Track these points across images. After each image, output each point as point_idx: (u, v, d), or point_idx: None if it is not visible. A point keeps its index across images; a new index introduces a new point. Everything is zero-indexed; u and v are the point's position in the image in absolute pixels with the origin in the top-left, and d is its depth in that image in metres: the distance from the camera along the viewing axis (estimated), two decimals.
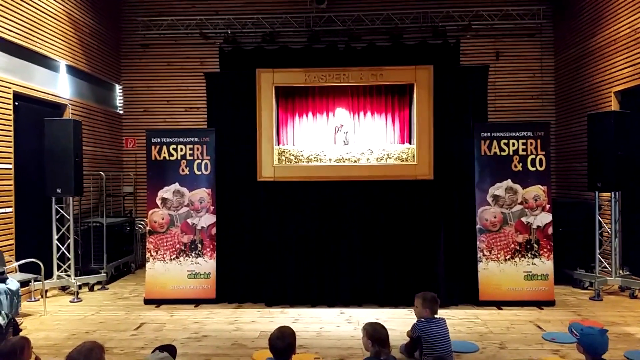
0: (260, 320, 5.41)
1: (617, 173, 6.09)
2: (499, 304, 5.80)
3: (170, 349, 3.40)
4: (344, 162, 6.16)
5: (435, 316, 3.95)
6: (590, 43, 7.60)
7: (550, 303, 5.80)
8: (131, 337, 4.89)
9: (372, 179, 6.01)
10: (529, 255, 5.87)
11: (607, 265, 6.51)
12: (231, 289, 6.11)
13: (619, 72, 6.89)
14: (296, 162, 6.18)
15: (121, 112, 9.15)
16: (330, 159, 6.18)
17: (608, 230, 6.56)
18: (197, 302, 6.04)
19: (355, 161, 6.16)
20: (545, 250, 5.86)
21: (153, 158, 6.23)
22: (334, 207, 6.06)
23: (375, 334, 3.33)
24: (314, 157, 6.19)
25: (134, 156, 9.11)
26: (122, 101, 9.16)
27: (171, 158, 6.22)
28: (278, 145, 6.32)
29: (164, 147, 6.23)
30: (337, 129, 6.49)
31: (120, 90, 9.14)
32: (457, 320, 5.28)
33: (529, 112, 8.62)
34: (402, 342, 4.18)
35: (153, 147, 6.24)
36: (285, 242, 6.05)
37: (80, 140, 6.51)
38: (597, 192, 6.41)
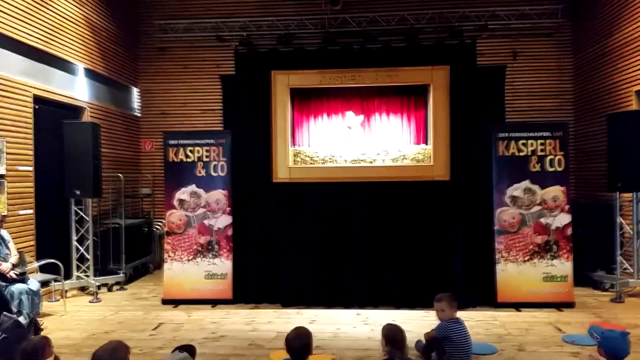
0: (276, 321, 5.42)
1: (638, 173, 5.99)
2: (518, 306, 5.74)
3: (190, 349, 3.43)
4: (359, 163, 6.15)
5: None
6: (608, 42, 7.49)
7: (570, 305, 5.72)
8: (149, 337, 4.93)
9: (388, 179, 6.00)
10: (548, 256, 5.79)
11: (628, 267, 6.40)
12: (248, 290, 6.14)
13: (639, 72, 6.77)
14: (311, 163, 6.20)
15: (138, 114, 9.26)
16: (345, 160, 6.19)
17: (629, 231, 6.45)
18: (214, 302, 6.08)
19: (370, 162, 6.15)
20: (564, 251, 5.78)
21: (170, 160, 6.29)
22: (350, 208, 6.05)
23: (391, 335, 3.31)
24: (330, 158, 6.20)
25: (151, 158, 9.20)
26: (139, 104, 9.26)
27: (188, 160, 6.27)
28: (293, 146, 6.34)
29: (181, 149, 6.28)
30: (349, 130, 6.49)
31: (138, 93, 9.25)
32: (475, 322, 5.23)
33: (547, 112, 8.52)
34: (420, 339, 4.13)
35: (170, 149, 6.29)
36: (301, 243, 6.06)
37: (98, 143, 6.60)
38: (617, 193, 6.31)
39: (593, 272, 6.64)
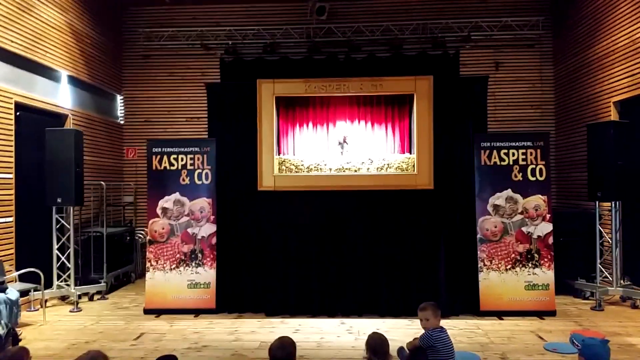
0: (260, 331, 5.39)
1: (617, 183, 6.10)
2: (500, 314, 5.78)
3: None
4: (344, 171, 6.17)
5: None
6: (589, 53, 7.65)
7: (552, 313, 5.78)
8: (131, 347, 4.86)
9: (373, 188, 6.02)
10: (530, 265, 5.86)
11: (608, 275, 6.49)
12: (231, 299, 6.09)
13: (618, 82, 6.93)
14: (296, 172, 6.20)
15: (122, 122, 9.19)
16: (330, 169, 6.20)
17: (609, 240, 6.55)
18: (197, 312, 6.02)
19: (355, 171, 6.18)
20: (546, 260, 5.85)
21: (154, 168, 6.25)
22: (335, 216, 6.07)
23: (374, 345, 3.31)
24: (315, 167, 6.21)
25: (134, 166, 9.13)
26: (123, 111, 9.20)
27: (172, 168, 6.23)
28: (278, 155, 6.34)
29: (165, 157, 6.25)
30: (340, 143, 6.50)
31: (122, 101, 9.18)
32: (458, 331, 5.26)
33: (529, 122, 8.66)
34: (402, 346, 4.12)
35: (154, 156, 6.25)
36: (286, 252, 6.05)
37: (81, 150, 6.53)
38: (597, 202, 6.41)
39: (574, 280, 6.72)
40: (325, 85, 6.19)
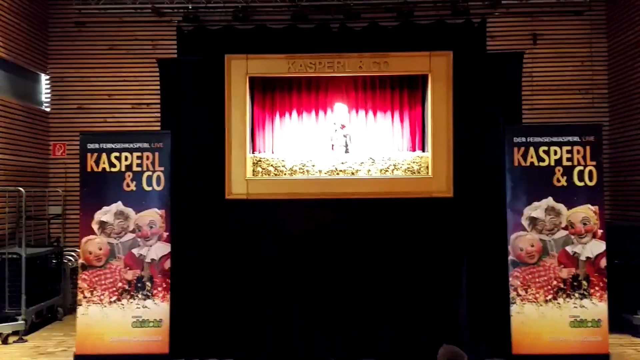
0: None
1: None
2: (539, 359, 5.83)
3: None
4: (338, 174, 6.21)
5: None
6: None
7: (605, 357, 5.83)
8: None
9: (375, 196, 6.06)
10: (577, 295, 5.91)
11: None
12: (190, 341, 6.08)
13: None
14: (276, 175, 6.22)
15: (48, 109, 9.15)
16: (320, 171, 6.23)
17: None
18: (145, 358, 5.99)
19: (352, 173, 6.21)
20: (597, 288, 5.91)
21: (89, 169, 6.22)
22: (324, 233, 6.09)
23: None
24: (300, 169, 6.24)
25: (63, 167, 9.09)
26: (49, 96, 9.16)
27: (113, 169, 6.21)
28: (253, 153, 6.36)
29: (104, 155, 6.22)
30: (336, 130, 6.50)
31: (47, 82, 9.15)
32: None
33: (575, 112, 8.74)
34: None
35: (89, 155, 6.23)
36: (262, 280, 6.06)
37: None
38: None
39: (633, 314, 6.79)
40: (314, 63, 6.23)
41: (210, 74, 6.26)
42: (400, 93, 6.74)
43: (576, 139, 6.09)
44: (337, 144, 6.47)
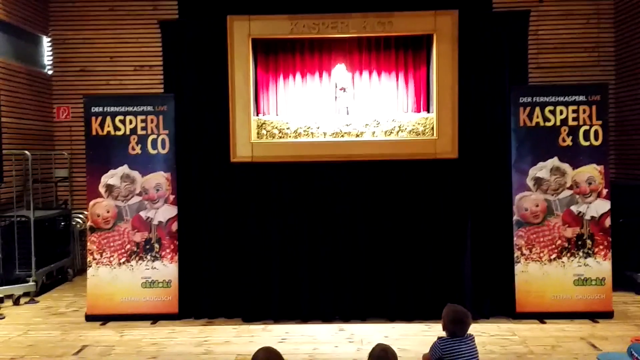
0: (236, 341, 5.49)
1: None
2: (542, 317, 5.92)
3: None
4: (342, 136, 6.19)
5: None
6: None
7: (608, 315, 5.92)
8: None
9: (380, 158, 6.05)
10: (581, 254, 5.97)
11: None
12: (199, 301, 6.17)
13: None
14: (281, 138, 6.21)
15: (50, 72, 9.09)
16: (324, 133, 6.21)
17: None
18: (154, 318, 6.11)
19: (357, 135, 6.19)
20: (601, 247, 5.96)
21: (94, 133, 6.23)
22: (331, 195, 6.11)
23: (375, 358, 3.40)
24: (304, 131, 6.21)
25: (68, 130, 9.07)
26: (51, 58, 9.09)
27: (117, 133, 6.23)
28: (257, 115, 6.33)
29: (108, 119, 6.23)
30: (337, 92, 6.44)
31: (49, 44, 9.06)
32: (488, 338, 5.38)
33: (581, 70, 8.65)
34: None
35: (93, 118, 6.23)
36: (269, 241, 6.11)
37: None
38: None
39: (636, 272, 6.86)
40: (318, 24, 6.15)
41: (212, 36, 6.20)
42: (404, 54, 6.65)
43: (582, 98, 6.06)
44: (339, 107, 6.40)
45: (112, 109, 6.24)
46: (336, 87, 6.40)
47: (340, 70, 6.37)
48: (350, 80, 6.46)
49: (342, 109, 6.35)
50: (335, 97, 6.40)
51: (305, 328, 5.82)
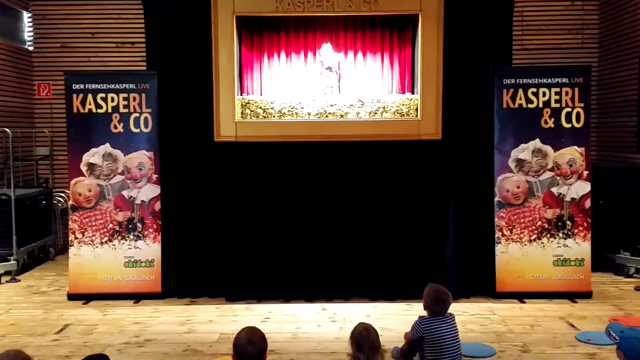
0: (219, 320, 5.53)
1: None
2: (522, 296, 6.01)
3: None
4: (327, 116, 6.18)
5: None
6: None
7: (587, 295, 6.03)
8: (52, 343, 4.95)
9: (364, 139, 6.06)
10: (561, 235, 6.05)
11: None
12: (182, 281, 6.19)
13: None
14: (265, 117, 6.19)
15: (31, 48, 8.96)
16: (309, 113, 6.20)
17: None
18: (137, 297, 6.12)
19: (341, 116, 6.19)
20: (580, 228, 6.04)
21: (75, 110, 6.18)
22: (315, 176, 6.13)
23: (359, 338, 3.43)
24: (289, 111, 6.20)
25: (49, 107, 8.98)
26: (31, 34, 8.95)
27: (99, 111, 6.18)
28: (241, 95, 6.30)
29: (90, 96, 6.17)
30: (323, 72, 6.39)
31: (29, 19, 8.92)
32: (468, 317, 5.47)
33: (565, 52, 8.68)
34: (396, 345, 4.32)
35: (75, 95, 6.17)
36: (253, 220, 6.12)
37: None
38: None
39: (615, 253, 6.99)
40: (303, 2, 6.09)
41: (196, 13, 6.12)
42: (390, 34, 6.63)
43: (565, 80, 6.10)
44: (325, 86, 6.37)
45: (94, 86, 6.18)
46: (322, 65, 6.37)
47: (327, 49, 6.33)
48: (337, 60, 6.41)
49: (328, 88, 6.32)
50: (323, 75, 6.35)
51: (288, 307, 5.87)
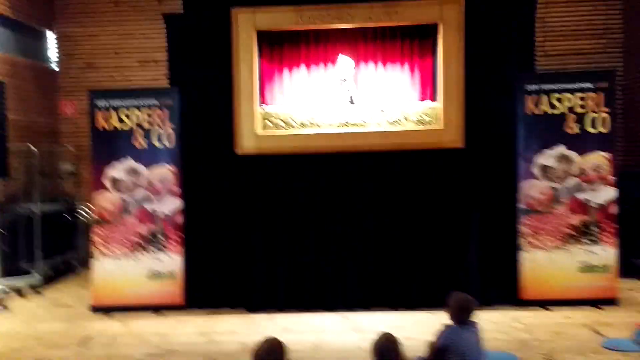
0: (240, 330, 5.58)
1: None
2: (546, 304, 5.96)
3: None
4: (347, 127, 6.22)
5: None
6: None
7: (613, 301, 5.95)
8: (75, 355, 5.03)
9: (386, 149, 6.11)
10: (586, 241, 5.98)
11: None
12: (203, 292, 6.25)
13: None
14: (285, 129, 6.25)
15: (56, 68, 9.17)
16: (330, 124, 6.25)
17: None
18: (159, 308, 6.19)
19: (362, 126, 6.22)
20: (607, 234, 5.97)
21: (99, 127, 6.32)
22: (336, 186, 6.18)
23: (381, 349, 3.43)
24: (309, 122, 6.26)
25: (74, 125, 9.14)
26: (57, 53, 9.17)
27: (123, 127, 6.31)
28: (262, 106, 6.37)
29: (113, 113, 6.31)
30: (339, 83, 6.46)
31: (55, 39, 9.14)
32: (492, 325, 5.41)
33: (589, 58, 8.61)
34: (420, 355, 4.30)
35: (99, 112, 6.31)
36: (273, 231, 6.18)
37: (3, 106, 6.57)
38: None
39: None
40: (323, 15, 6.20)
41: (217, 29, 6.26)
42: (410, 43, 6.68)
43: (589, 85, 6.07)
44: (342, 97, 6.41)
45: (117, 102, 6.32)
46: (339, 78, 6.42)
47: (341, 60, 6.38)
48: (352, 70, 6.44)
49: (345, 99, 6.36)
50: (340, 85, 6.40)
51: (310, 317, 5.88)
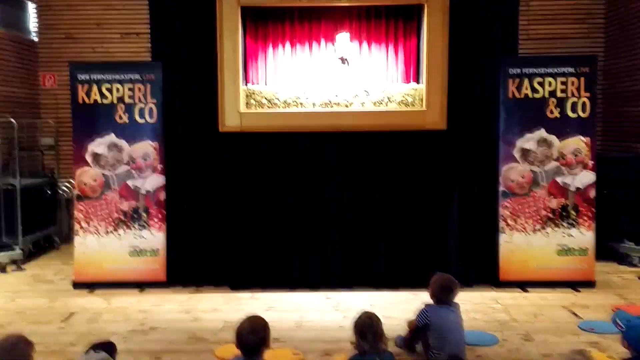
0: (223, 308, 5.58)
1: None
2: (525, 285, 6.04)
3: (109, 348, 3.52)
4: (331, 107, 6.19)
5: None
6: None
7: (590, 284, 6.05)
8: (58, 331, 5.01)
9: (369, 129, 6.08)
10: (565, 224, 6.07)
11: None
12: (186, 269, 6.24)
13: None
14: (269, 107, 6.20)
15: (36, 38, 8.98)
16: (314, 104, 6.21)
17: None
18: (142, 285, 6.17)
19: (346, 106, 6.19)
20: (585, 218, 6.06)
21: (80, 101, 6.20)
22: (319, 165, 6.17)
23: (361, 326, 3.47)
24: (293, 101, 6.21)
25: (54, 97, 8.98)
26: (36, 24, 8.97)
27: (104, 101, 6.20)
28: (246, 85, 6.31)
29: (95, 87, 6.19)
30: (336, 61, 6.35)
31: (34, 9, 8.94)
32: (471, 305, 5.47)
33: (571, 42, 8.63)
34: (400, 334, 4.37)
35: (80, 86, 6.19)
36: (256, 210, 6.17)
37: None
38: None
39: (619, 243, 7.00)
40: None
41: (201, 3, 6.14)
42: (395, 24, 6.62)
43: (571, 70, 6.09)
44: (337, 76, 6.33)
45: (99, 76, 6.20)
46: (335, 54, 6.33)
47: (343, 38, 6.28)
48: (352, 51, 6.35)
49: (342, 78, 6.28)
50: (336, 64, 6.33)
51: (292, 296, 5.91)
